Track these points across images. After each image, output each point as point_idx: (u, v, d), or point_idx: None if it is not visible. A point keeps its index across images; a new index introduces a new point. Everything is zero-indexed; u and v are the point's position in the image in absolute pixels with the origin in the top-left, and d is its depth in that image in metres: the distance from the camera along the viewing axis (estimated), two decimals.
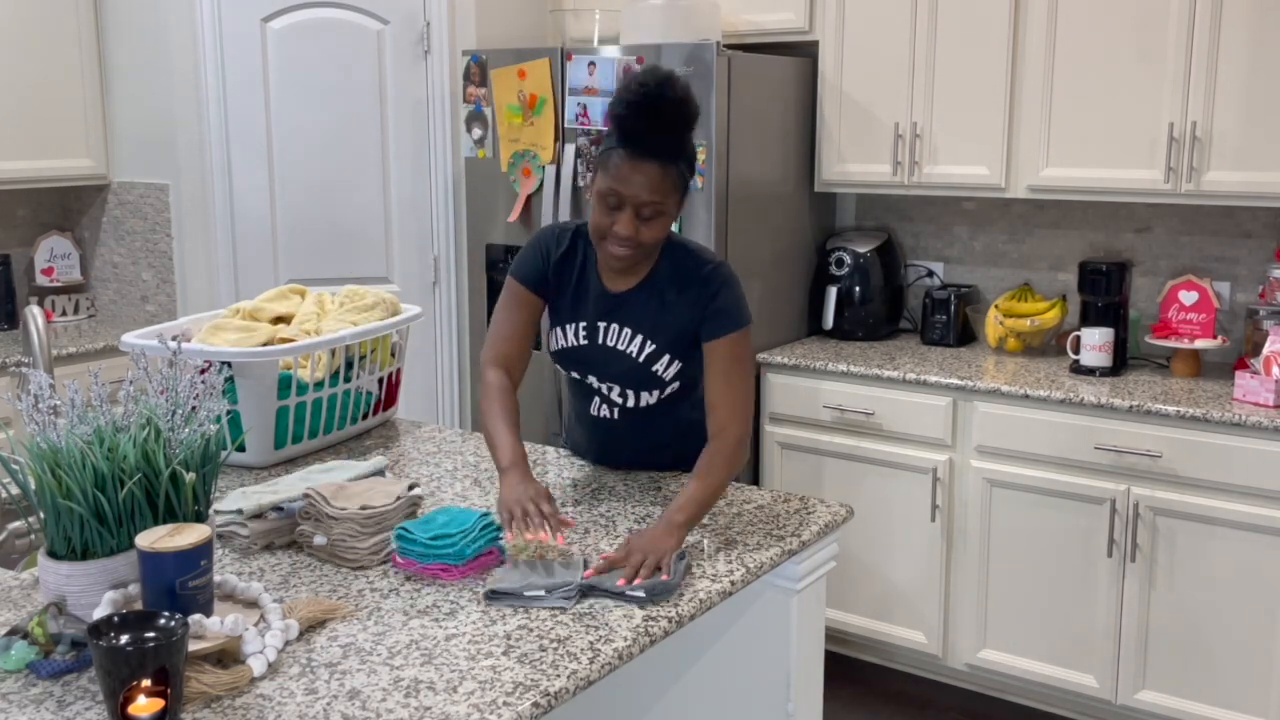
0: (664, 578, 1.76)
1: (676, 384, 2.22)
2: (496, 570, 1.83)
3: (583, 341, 2.22)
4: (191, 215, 3.88)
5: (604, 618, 1.68)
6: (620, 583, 1.74)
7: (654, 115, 1.97)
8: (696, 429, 2.16)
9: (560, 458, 2.47)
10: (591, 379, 2.26)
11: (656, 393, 2.23)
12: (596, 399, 2.30)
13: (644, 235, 2.04)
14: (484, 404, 2.17)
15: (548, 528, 1.87)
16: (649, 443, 2.33)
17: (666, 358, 2.17)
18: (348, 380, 2.51)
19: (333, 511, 1.86)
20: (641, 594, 1.66)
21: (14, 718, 1.38)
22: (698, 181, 3.32)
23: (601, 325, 2.20)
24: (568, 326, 2.23)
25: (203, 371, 1.75)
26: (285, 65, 3.82)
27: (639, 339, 2.17)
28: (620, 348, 2.19)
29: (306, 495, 1.91)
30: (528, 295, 2.22)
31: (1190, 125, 3.13)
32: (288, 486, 2.01)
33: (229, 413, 2.20)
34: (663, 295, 2.15)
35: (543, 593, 1.73)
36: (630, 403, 2.26)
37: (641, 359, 2.18)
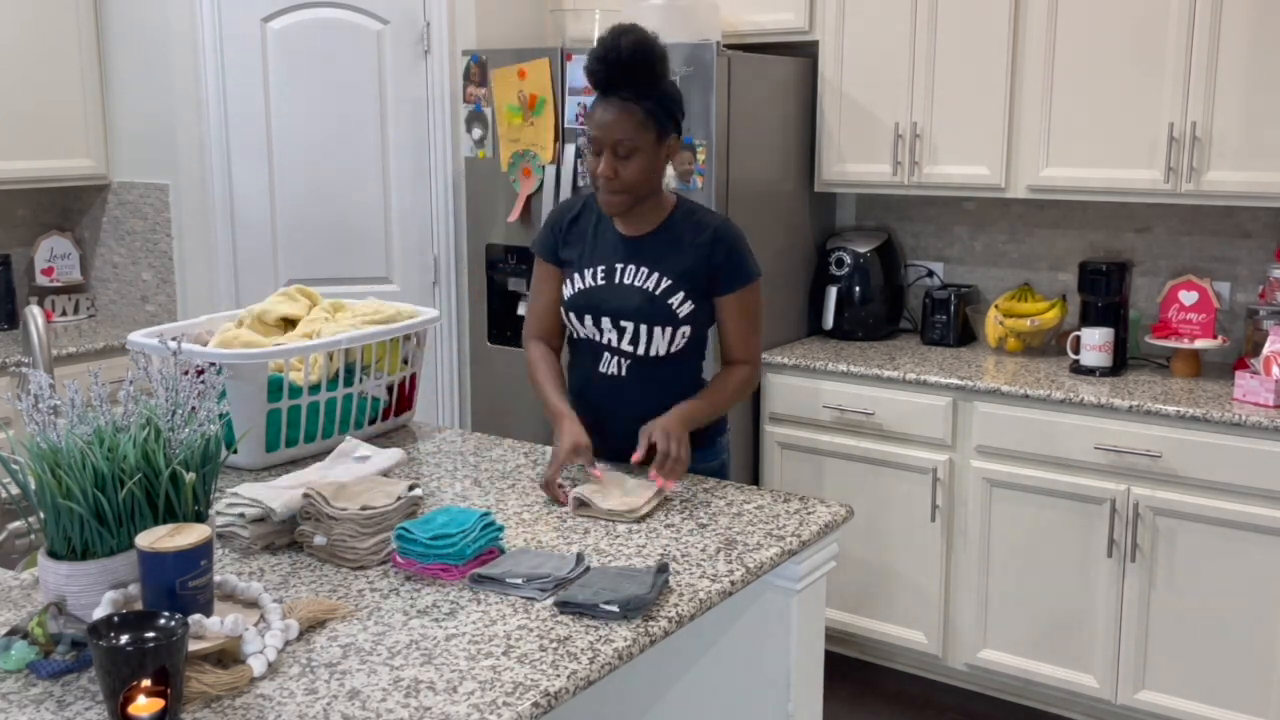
0: (671, 485, 2.13)
1: (686, 330, 2.35)
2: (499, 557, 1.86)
3: (600, 281, 2.37)
4: (191, 215, 3.88)
5: (604, 617, 1.67)
6: (670, 484, 2.15)
7: (615, 60, 2.19)
8: (698, 390, 2.38)
9: None
10: (604, 322, 2.36)
11: (668, 334, 2.33)
12: (606, 354, 2.39)
13: (624, 174, 2.23)
14: (532, 375, 2.45)
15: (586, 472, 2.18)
16: (654, 404, 2.32)
17: (681, 294, 2.32)
18: (349, 385, 2.49)
19: (333, 511, 1.86)
20: (615, 608, 1.66)
21: (14, 718, 1.38)
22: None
23: (619, 266, 2.36)
24: (585, 271, 2.39)
25: (201, 372, 1.75)
26: (285, 65, 3.82)
27: (655, 275, 2.33)
28: (637, 284, 2.34)
29: (306, 495, 1.91)
30: (548, 268, 2.46)
31: (1190, 125, 3.13)
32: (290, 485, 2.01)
33: (222, 415, 2.19)
34: (679, 238, 2.34)
35: (520, 581, 1.75)
36: (641, 348, 2.35)
37: (658, 292, 2.32)
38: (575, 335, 2.44)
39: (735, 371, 2.39)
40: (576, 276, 2.39)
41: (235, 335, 2.47)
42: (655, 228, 2.35)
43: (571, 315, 2.41)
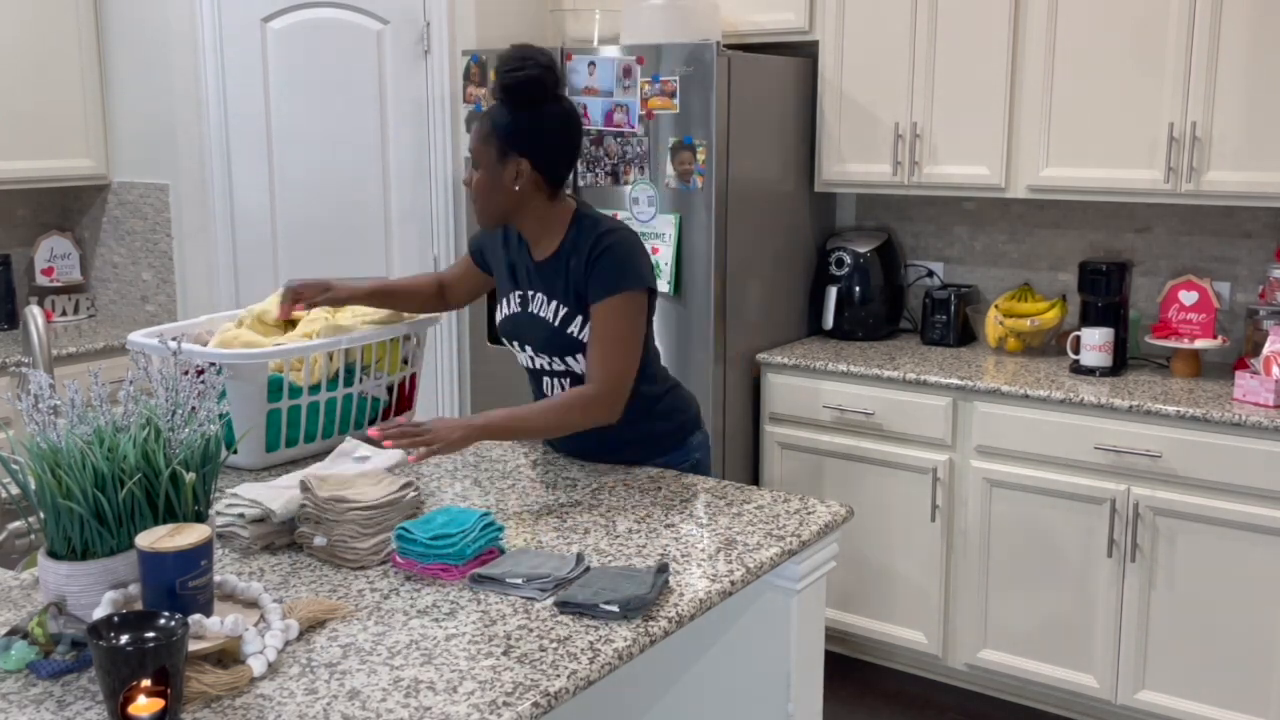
0: (410, 459, 2.02)
1: None
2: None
3: (516, 309, 2.39)
4: (191, 215, 3.88)
5: (604, 617, 1.67)
6: (387, 444, 2.04)
7: (495, 85, 2.25)
8: (653, 403, 2.38)
9: (560, 457, 2.47)
10: (529, 349, 2.37)
11: (582, 359, 2.31)
12: (545, 379, 2.39)
13: (473, 183, 2.27)
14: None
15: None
16: (609, 424, 2.31)
17: (580, 319, 2.28)
18: (348, 385, 2.49)
19: (326, 500, 1.86)
20: (615, 608, 1.66)
21: (14, 718, 1.38)
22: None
23: (529, 294, 2.36)
24: (505, 298, 2.42)
25: (201, 372, 1.75)
26: (285, 65, 3.82)
27: (554, 304, 2.31)
28: (542, 315, 2.33)
29: (302, 483, 1.92)
30: (468, 260, 2.57)
31: (1190, 125, 3.13)
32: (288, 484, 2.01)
33: (222, 415, 2.19)
34: (568, 261, 2.28)
35: (520, 581, 1.75)
36: (574, 370, 2.33)
37: (557, 323, 2.30)
38: (518, 361, 2.45)
39: (573, 392, 2.24)
40: (501, 303, 2.42)
41: (235, 335, 2.47)
42: (553, 251, 2.30)
43: (505, 342, 2.44)
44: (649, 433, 2.39)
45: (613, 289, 2.23)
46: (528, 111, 2.21)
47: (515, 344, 2.41)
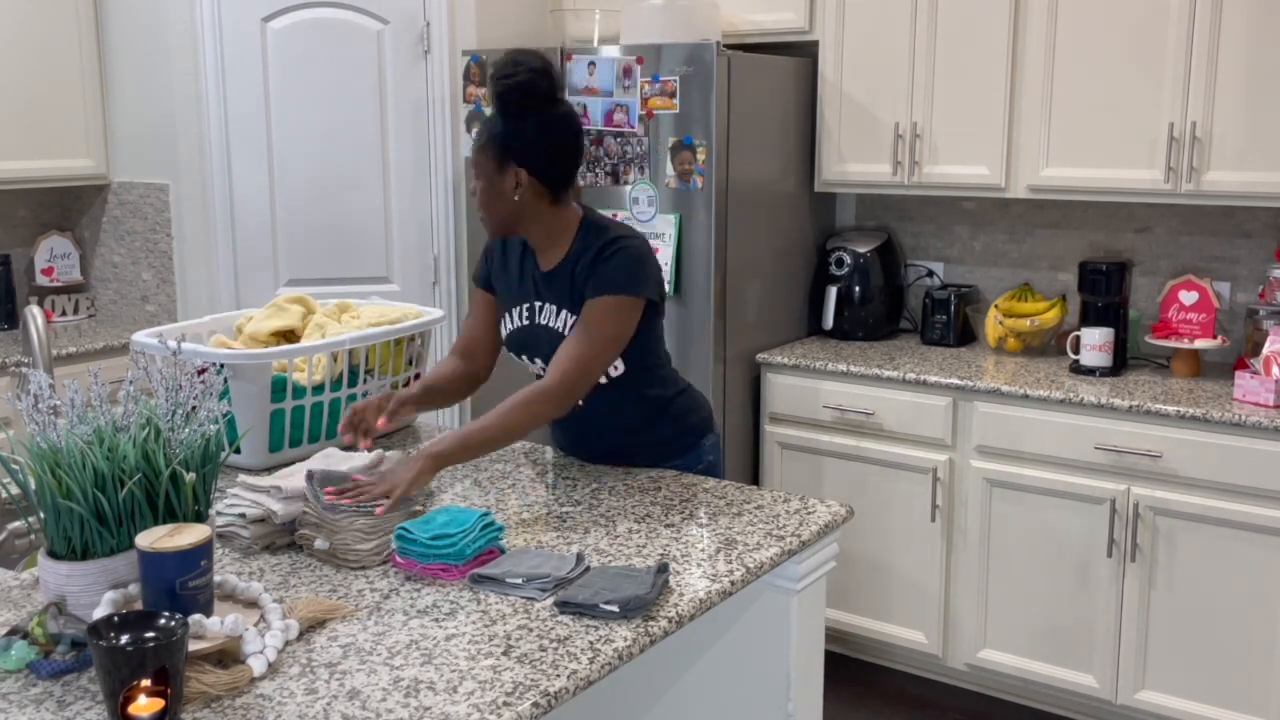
0: (378, 511, 1.87)
1: (616, 363, 2.27)
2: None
3: (524, 322, 2.34)
4: (191, 215, 3.88)
5: (604, 617, 1.67)
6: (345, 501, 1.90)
7: (493, 92, 2.20)
8: (665, 406, 2.36)
9: (560, 458, 2.47)
10: (538, 362, 2.34)
11: None
12: None
13: (478, 193, 2.23)
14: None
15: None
16: (620, 424, 2.35)
17: None
18: (353, 386, 2.49)
19: (332, 517, 1.86)
20: (615, 608, 1.66)
21: (14, 718, 1.38)
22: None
23: (538, 305, 2.32)
24: (512, 310, 2.36)
25: (201, 372, 1.75)
26: (285, 65, 3.82)
27: (563, 314, 2.27)
28: (551, 325, 2.29)
29: (305, 487, 1.92)
30: (482, 294, 2.44)
31: (1190, 125, 3.13)
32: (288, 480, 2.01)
33: (225, 414, 2.19)
34: (574, 269, 2.25)
35: (520, 581, 1.75)
36: None
37: (565, 332, 2.26)
38: (528, 372, 2.41)
39: (527, 392, 2.17)
40: (507, 316, 2.37)
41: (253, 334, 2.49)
42: (560, 260, 2.27)
43: (513, 355, 2.40)
44: (663, 437, 2.39)
45: (607, 289, 2.19)
46: (521, 119, 2.17)
47: (524, 357, 2.36)
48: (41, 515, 1.61)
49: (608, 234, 2.24)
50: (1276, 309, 3.20)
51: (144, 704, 1.34)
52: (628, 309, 2.20)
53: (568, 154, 2.23)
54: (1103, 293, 3.35)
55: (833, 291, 3.79)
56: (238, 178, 3.84)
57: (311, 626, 1.62)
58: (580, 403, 2.30)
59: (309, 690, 1.45)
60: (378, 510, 1.89)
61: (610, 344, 2.20)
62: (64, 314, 4.15)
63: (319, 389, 2.43)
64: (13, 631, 1.52)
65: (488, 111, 3.65)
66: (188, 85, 3.79)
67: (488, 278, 2.42)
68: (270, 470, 2.34)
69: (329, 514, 1.86)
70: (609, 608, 1.66)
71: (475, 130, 2.25)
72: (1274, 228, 3.37)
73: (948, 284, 3.86)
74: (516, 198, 2.19)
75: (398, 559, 1.84)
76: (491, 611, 1.69)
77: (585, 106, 3.50)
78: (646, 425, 2.36)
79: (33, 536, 2.14)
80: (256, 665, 1.48)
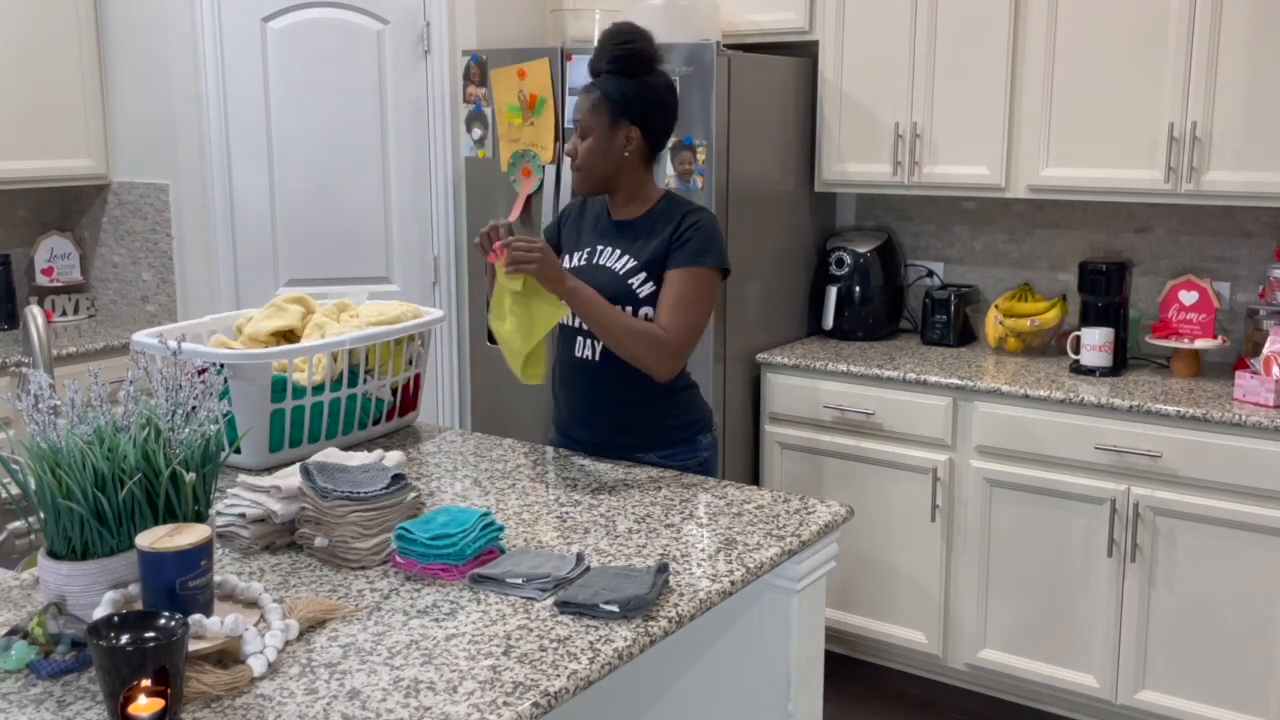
0: (493, 257, 2.16)
1: (647, 311, 2.37)
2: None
3: (581, 263, 2.46)
4: (191, 215, 3.88)
5: (604, 617, 1.68)
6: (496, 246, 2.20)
7: (598, 54, 2.38)
8: (673, 393, 2.44)
9: (560, 458, 2.47)
10: None
11: (630, 312, 2.36)
12: (579, 339, 2.43)
13: (580, 152, 2.39)
14: None
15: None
16: (627, 398, 2.42)
17: (643, 275, 2.38)
18: (353, 386, 2.49)
19: (330, 510, 1.86)
20: (615, 608, 1.66)
21: (14, 718, 1.38)
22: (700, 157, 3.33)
23: (600, 248, 2.45)
24: (574, 254, 2.50)
25: (201, 372, 1.75)
26: (285, 65, 3.82)
27: (626, 257, 2.41)
28: (608, 264, 2.42)
29: (302, 483, 1.92)
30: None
31: (1190, 125, 3.13)
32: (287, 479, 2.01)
33: (225, 414, 2.19)
34: (654, 225, 2.41)
35: (520, 581, 1.76)
36: None
37: (622, 272, 2.39)
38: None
39: (651, 325, 2.34)
40: (565, 260, 2.49)
41: (253, 332, 2.49)
42: (639, 215, 2.44)
43: None
44: (664, 423, 2.45)
45: (698, 260, 2.35)
46: (638, 82, 2.35)
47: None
48: (41, 515, 1.61)
49: (690, 205, 2.44)
50: (1276, 309, 3.20)
51: (144, 704, 1.34)
52: (712, 279, 2.39)
53: (672, 116, 2.43)
54: (1103, 293, 3.35)
55: (833, 291, 3.79)
56: (238, 178, 3.84)
57: (311, 626, 1.62)
58: (597, 355, 2.41)
59: (309, 690, 1.45)
60: (495, 255, 2.20)
61: (704, 309, 2.38)
62: (64, 314, 4.15)
63: (319, 389, 2.43)
64: (13, 631, 1.52)
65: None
66: (188, 85, 3.79)
67: (557, 233, 2.59)
68: (270, 470, 2.34)
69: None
70: (609, 608, 1.66)
71: (581, 93, 2.39)
72: (1274, 228, 3.37)
73: (948, 284, 3.86)
74: (626, 154, 2.38)
75: (398, 559, 1.84)
76: (491, 611, 1.69)
77: None
78: (651, 406, 2.43)
79: (33, 536, 2.14)
80: (256, 665, 1.48)
